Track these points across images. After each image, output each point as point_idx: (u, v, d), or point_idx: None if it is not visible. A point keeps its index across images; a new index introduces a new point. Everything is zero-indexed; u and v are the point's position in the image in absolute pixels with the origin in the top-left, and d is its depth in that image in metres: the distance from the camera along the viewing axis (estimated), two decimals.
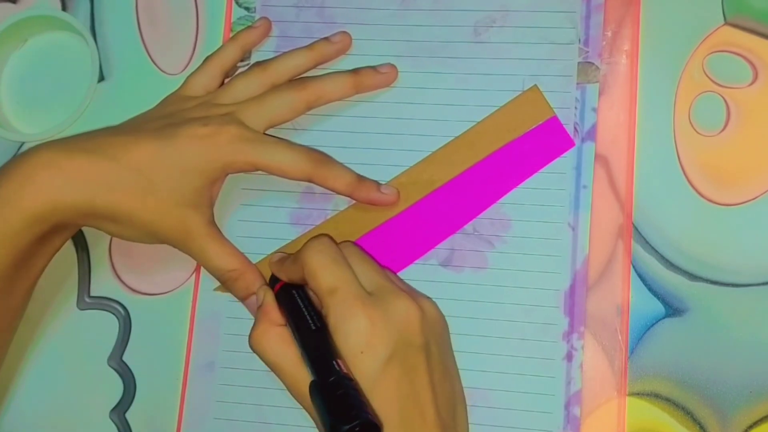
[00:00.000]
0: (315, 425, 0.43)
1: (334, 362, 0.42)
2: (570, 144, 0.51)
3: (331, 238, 0.48)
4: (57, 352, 0.55)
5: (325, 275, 0.45)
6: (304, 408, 0.44)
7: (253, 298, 0.50)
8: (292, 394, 0.44)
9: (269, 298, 0.47)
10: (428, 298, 0.47)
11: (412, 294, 0.46)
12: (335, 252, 0.46)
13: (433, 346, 0.45)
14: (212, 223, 0.50)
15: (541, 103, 0.52)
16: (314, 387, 0.42)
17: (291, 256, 0.48)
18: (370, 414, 0.40)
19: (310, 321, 0.45)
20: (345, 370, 0.42)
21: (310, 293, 0.47)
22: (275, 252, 0.53)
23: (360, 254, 0.47)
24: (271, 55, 0.54)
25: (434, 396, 0.44)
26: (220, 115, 0.50)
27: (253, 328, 0.46)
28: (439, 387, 0.45)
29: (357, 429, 0.39)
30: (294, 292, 0.47)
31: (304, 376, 0.43)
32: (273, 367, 0.45)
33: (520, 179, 0.51)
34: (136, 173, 0.47)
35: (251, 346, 0.46)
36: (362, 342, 0.43)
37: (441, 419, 0.44)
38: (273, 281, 0.49)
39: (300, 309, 0.46)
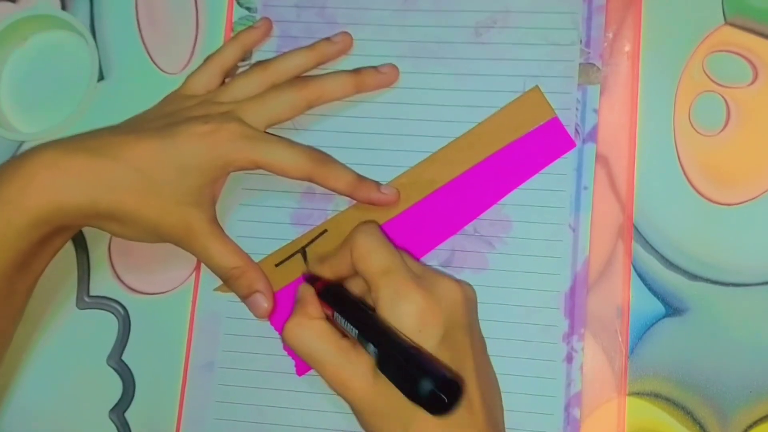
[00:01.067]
0: (356, 416, 0.44)
1: (399, 335, 0.42)
2: (571, 145, 0.51)
3: (376, 224, 0.48)
4: (56, 351, 0.55)
5: (378, 257, 0.45)
6: (344, 396, 0.44)
7: (255, 296, 0.50)
8: (331, 383, 0.44)
9: (310, 293, 0.47)
10: (465, 281, 0.48)
11: (452, 277, 0.47)
12: (383, 236, 0.47)
13: (475, 328, 0.47)
14: (214, 221, 0.50)
15: (542, 104, 0.52)
16: (386, 356, 0.42)
17: (335, 249, 0.48)
18: (451, 373, 0.40)
19: (362, 305, 0.45)
20: (411, 342, 0.42)
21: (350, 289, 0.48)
22: (275, 252, 0.53)
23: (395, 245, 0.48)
24: (272, 55, 0.54)
25: (478, 378, 0.44)
26: (221, 114, 0.50)
27: (289, 320, 0.46)
28: (481, 369, 0.46)
29: (439, 387, 0.39)
30: (338, 287, 0.48)
31: (346, 363, 0.44)
32: (309, 358, 0.45)
33: (521, 180, 0.51)
34: (138, 172, 0.47)
35: (285, 338, 0.46)
36: (417, 322, 0.43)
37: (485, 400, 0.44)
38: (309, 282, 0.49)
39: (349, 297, 0.47)
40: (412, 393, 0.39)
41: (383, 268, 0.45)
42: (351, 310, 0.46)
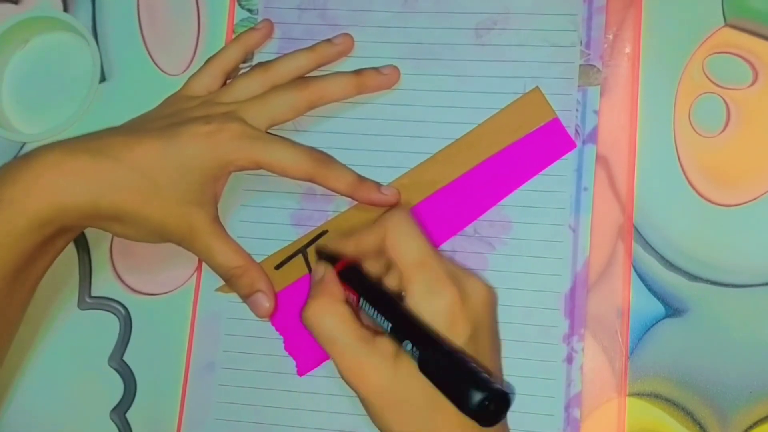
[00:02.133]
0: (366, 409, 0.44)
1: (437, 335, 0.42)
2: (572, 145, 0.51)
3: (409, 210, 0.47)
4: (58, 352, 0.55)
5: (413, 246, 0.44)
6: (356, 388, 0.43)
7: (257, 295, 0.50)
8: (346, 373, 0.43)
9: (330, 273, 0.46)
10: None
11: (480, 276, 0.46)
12: (418, 225, 0.46)
13: (495, 329, 0.47)
14: (216, 220, 0.50)
15: (542, 105, 0.52)
16: (431, 359, 0.41)
17: (363, 228, 0.47)
18: (500, 384, 0.40)
19: (390, 301, 0.44)
20: (449, 343, 0.42)
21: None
22: (275, 253, 0.53)
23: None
24: (274, 57, 0.54)
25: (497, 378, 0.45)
26: (222, 114, 0.50)
27: (309, 301, 0.45)
28: (499, 371, 0.46)
29: (489, 399, 0.38)
30: (357, 271, 0.46)
31: (364, 354, 0.43)
32: (328, 343, 0.44)
33: (522, 181, 0.52)
34: (140, 173, 0.48)
35: (305, 320, 0.45)
36: (449, 319, 0.43)
37: None
38: (327, 261, 0.48)
39: (376, 284, 0.45)
40: (461, 402, 0.39)
41: (419, 259, 0.44)
42: (381, 302, 0.44)
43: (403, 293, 0.44)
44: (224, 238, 0.50)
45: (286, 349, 0.52)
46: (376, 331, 0.44)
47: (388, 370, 0.43)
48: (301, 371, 0.52)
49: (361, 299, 0.45)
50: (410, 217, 0.46)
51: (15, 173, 0.46)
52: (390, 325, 0.43)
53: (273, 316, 0.52)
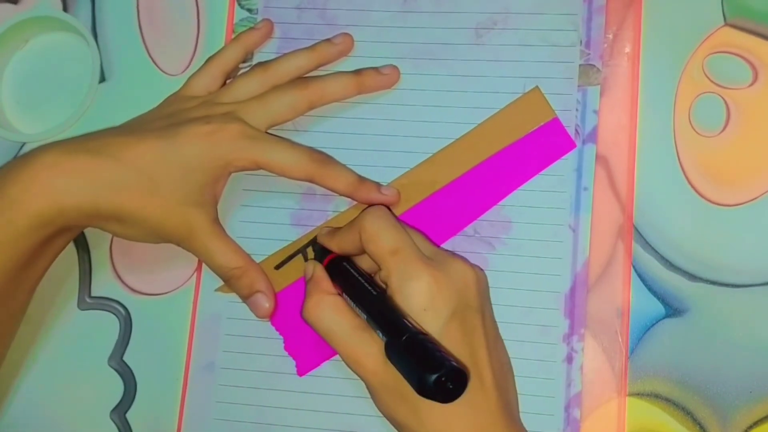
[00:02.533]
0: (370, 395, 0.45)
1: (405, 320, 0.43)
2: (571, 145, 0.51)
3: (385, 207, 0.49)
4: (58, 352, 0.55)
5: (386, 237, 0.46)
6: (358, 375, 0.45)
7: (256, 296, 0.50)
8: (346, 361, 0.45)
9: (320, 270, 0.48)
10: (478, 266, 0.48)
11: (465, 259, 0.47)
12: (393, 218, 0.47)
13: (487, 310, 0.47)
14: (216, 221, 0.50)
15: (542, 105, 0.52)
16: (392, 346, 0.42)
17: (344, 226, 0.49)
18: (455, 361, 0.40)
19: (368, 287, 0.46)
20: (416, 327, 0.43)
21: (359, 264, 0.48)
22: (275, 253, 0.53)
23: (409, 226, 0.48)
24: (273, 57, 0.54)
25: (490, 358, 0.45)
26: (222, 114, 0.50)
27: (306, 299, 0.47)
28: (493, 350, 0.46)
29: (444, 378, 0.39)
30: (345, 263, 0.48)
31: (359, 342, 0.45)
32: (327, 335, 0.46)
33: (522, 181, 0.52)
34: (139, 172, 0.48)
35: (305, 317, 0.46)
36: (425, 301, 0.44)
37: (497, 381, 0.45)
38: (320, 257, 0.50)
39: (356, 276, 0.47)
40: (418, 386, 0.40)
41: (392, 248, 0.45)
42: (358, 292, 0.46)
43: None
44: (224, 239, 0.50)
45: (286, 349, 0.52)
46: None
47: (380, 359, 0.44)
48: (301, 371, 0.52)
49: (343, 294, 0.47)
50: (383, 212, 0.47)
51: (14, 173, 0.46)
52: (365, 315, 0.45)
53: (273, 317, 0.52)
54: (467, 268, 0.46)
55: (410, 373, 0.41)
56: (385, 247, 0.45)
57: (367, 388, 0.45)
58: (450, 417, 0.43)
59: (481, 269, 0.48)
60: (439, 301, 0.44)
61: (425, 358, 0.40)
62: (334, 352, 0.50)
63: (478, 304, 0.46)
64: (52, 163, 0.47)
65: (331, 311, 0.46)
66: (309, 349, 0.52)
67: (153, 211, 0.48)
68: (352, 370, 0.45)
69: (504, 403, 0.45)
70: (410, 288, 0.44)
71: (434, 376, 0.39)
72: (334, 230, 0.50)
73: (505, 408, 0.45)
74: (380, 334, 0.43)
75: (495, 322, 0.49)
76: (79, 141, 0.49)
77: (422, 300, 0.44)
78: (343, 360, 0.45)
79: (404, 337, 0.42)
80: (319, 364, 0.52)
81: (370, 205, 0.52)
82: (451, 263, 0.46)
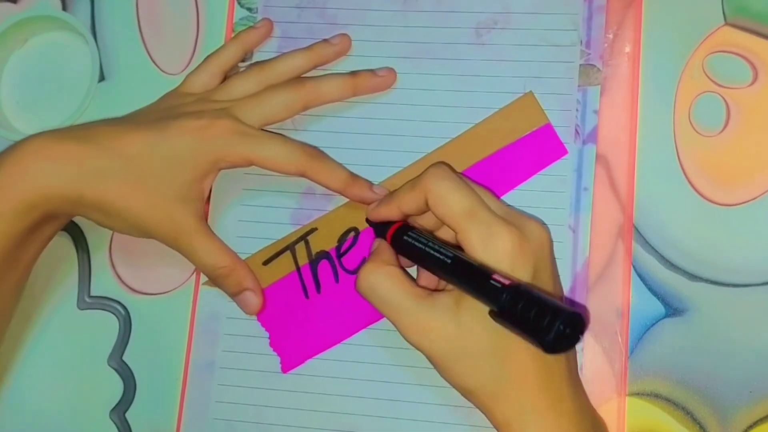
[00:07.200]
0: (434, 366, 0.44)
1: (498, 278, 0.41)
2: (563, 152, 0.51)
3: (447, 165, 0.47)
4: (57, 352, 0.54)
5: (459, 198, 0.44)
6: (420, 346, 0.44)
7: (245, 293, 0.50)
8: (406, 332, 0.44)
9: (383, 243, 0.48)
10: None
11: (537, 218, 0.46)
12: (458, 176, 0.46)
13: (556, 269, 0.47)
14: (202, 218, 0.50)
15: (535, 110, 0.52)
16: (503, 306, 0.40)
17: (403, 187, 0.48)
18: (568, 307, 0.39)
19: (441, 253, 0.44)
20: (511, 281, 0.41)
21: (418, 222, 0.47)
22: (263, 249, 0.53)
23: (474, 182, 0.47)
24: (273, 56, 0.54)
25: None
26: (215, 110, 0.50)
27: (363, 267, 0.45)
28: None
29: (563, 325, 0.38)
30: (408, 236, 0.47)
31: (424, 310, 0.43)
32: (385, 306, 0.44)
33: (513, 185, 0.51)
34: (126, 162, 0.47)
35: (359, 286, 0.45)
36: (511, 260, 0.43)
37: None
38: (380, 235, 0.49)
39: (426, 243, 0.45)
40: (542, 338, 0.39)
41: (468, 209, 0.44)
42: (434, 259, 0.44)
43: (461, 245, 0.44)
44: (209, 237, 0.50)
45: (271, 345, 0.52)
46: (431, 292, 0.44)
47: (452, 323, 0.43)
48: (286, 368, 0.52)
49: (427, 248, 0.45)
50: (447, 171, 0.46)
51: (2, 159, 0.46)
52: (455, 280, 0.43)
53: (260, 313, 0.52)
54: (541, 227, 0.46)
55: (532, 328, 0.39)
56: (459, 208, 0.44)
57: (433, 359, 0.44)
58: (529, 374, 0.43)
59: (546, 226, 0.47)
60: (521, 260, 0.43)
61: (541, 309, 0.39)
62: (319, 350, 0.50)
63: (550, 264, 0.46)
64: (38, 148, 0.47)
65: (388, 280, 0.44)
66: (294, 346, 0.52)
67: (136, 203, 0.48)
68: (412, 343, 0.44)
69: (573, 358, 0.46)
70: (495, 247, 0.43)
71: (559, 323, 0.38)
72: (389, 196, 0.49)
73: (574, 361, 0.46)
74: (476, 296, 0.42)
75: (560, 280, 0.49)
76: (69, 129, 0.50)
77: (508, 260, 0.43)
78: (402, 332, 0.44)
79: (511, 293, 0.40)
80: (303, 362, 0.52)
81: (362, 202, 0.51)
82: (526, 222, 0.45)
